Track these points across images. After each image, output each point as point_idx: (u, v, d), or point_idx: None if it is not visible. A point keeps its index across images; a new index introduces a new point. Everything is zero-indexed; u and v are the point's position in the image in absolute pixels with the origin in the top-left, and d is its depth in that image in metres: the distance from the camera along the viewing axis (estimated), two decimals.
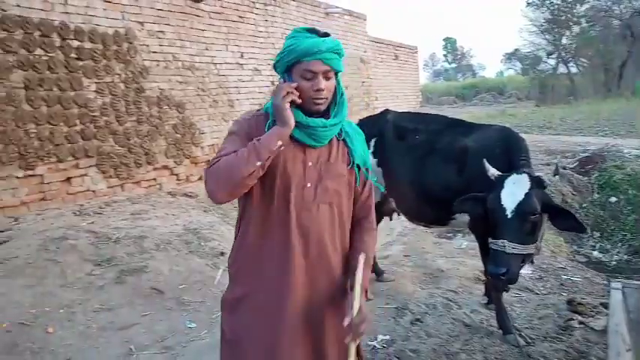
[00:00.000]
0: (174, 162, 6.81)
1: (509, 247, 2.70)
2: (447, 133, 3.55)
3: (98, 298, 3.77)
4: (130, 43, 6.22)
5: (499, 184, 2.83)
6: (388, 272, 4.48)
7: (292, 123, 1.56)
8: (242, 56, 8.16)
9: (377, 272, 4.37)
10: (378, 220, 4.27)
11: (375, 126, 3.90)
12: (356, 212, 1.82)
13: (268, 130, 1.60)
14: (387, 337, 3.43)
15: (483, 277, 4.03)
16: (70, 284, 3.84)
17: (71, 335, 3.34)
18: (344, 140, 1.76)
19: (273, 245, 1.66)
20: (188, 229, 5.09)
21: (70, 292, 3.76)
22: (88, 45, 5.72)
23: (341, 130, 1.74)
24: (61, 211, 5.19)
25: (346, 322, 1.56)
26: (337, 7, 11.09)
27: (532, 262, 3.08)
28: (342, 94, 1.70)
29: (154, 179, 6.59)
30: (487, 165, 2.95)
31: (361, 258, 1.65)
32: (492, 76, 58.90)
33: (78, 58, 5.61)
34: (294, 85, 1.59)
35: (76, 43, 5.58)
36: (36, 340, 3.21)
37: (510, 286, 3.17)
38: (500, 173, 2.90)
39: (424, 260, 4.90)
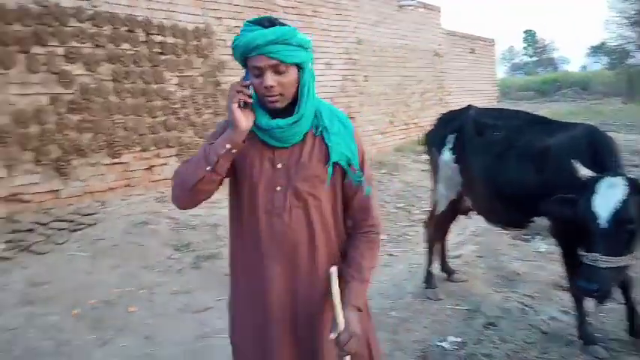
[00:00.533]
0: None
1: (603, 261, 2.45)
2: (528, 130, 3.35)
3: (176, 280, 3.96)
4: (209, 38, 6.44)
5: (591, 187, 2.56)
6: (459, 272, 4.35)
7: (242, 125, 1.42)
8: (314, 50, 8.19)
9: (448, 271, 4.25)
10: (453, 218, 4.17)
11: (455, 121, 3.80)
12: (353, 214, 1.64)
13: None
14: (459, 339, 3.33)
15: (564, 284, 3.81)
16: (150, 267, 4.05)
17: (150, 315, 3.52)
18: (321, 136, 1.56)
19: (246, 255, 1.57)
20: None
21: (151, 274, 3.97)
22: (170, 40, 5.98)
23: (318, 125, 1.56)
24: (144, 197, 5.48)
25: (332, 336, 1.46)
26: (411, 0, 10.88)
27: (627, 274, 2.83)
28: (308, 88, 1.51)
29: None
30: (577, 164, 2.69)
31: (332, 270, 1.51)
32: (576, 71, 55.57)
33: (161, 53, 5.88)
34: (247, 83, 1.45)
35: (159, 38, 5.85)
36: (119, 317, 3.42)
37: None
38: (592, 174, 2.62)
39: (499, 262, 4.71)
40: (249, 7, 6.98)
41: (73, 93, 5.01)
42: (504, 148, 3.37)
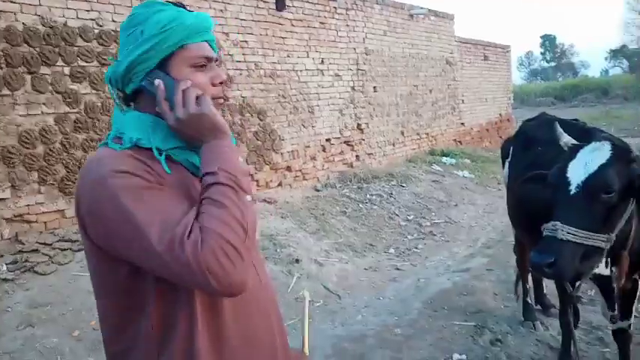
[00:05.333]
0: (255, 168, 6.97)
1: (563, 230, 1.97)
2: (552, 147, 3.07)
3: None
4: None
5: (571, 154, 2.20)
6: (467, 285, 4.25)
7: (229, 129, 1.11)
8: (322, 62, 8.20)
9: (543, 304, 3.88)
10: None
11: (519, 131, 3.56)
12: None
13: (170, 170, 1.05)
14: (463, 356, 3.26)
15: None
16: None
17: None
18: None
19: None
20: (265, 235, 5.17)
21: None
22: None
23: None
24: None
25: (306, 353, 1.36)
26: (422, 8, 10.82)
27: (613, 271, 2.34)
28: None
29: None
30: (559, 130, 2.40)
31: (306, 294, 1.42)
32: (596, 75, 54.70)
33: None
34: (189, 82, 1.08)
35: None
36: None
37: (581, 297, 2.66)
38: (576, 143, 2.29)
39: (508, 275, 4.59)
40: (255, 21, 7.01)
41: (78, 112, 5.06)
42: (527, 164, 2.99)
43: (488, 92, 14.26)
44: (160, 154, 1.05)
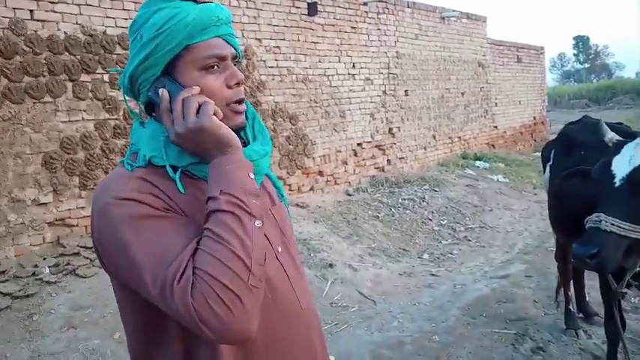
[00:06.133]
0: (287, 172, 6.99)
1: (607, 222, 1.97)
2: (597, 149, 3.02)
3: None
4: (249, 59, 6.53)
5: (616, 149, 2.22)
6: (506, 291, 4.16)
7: (239, 141, 0.95)
8: (354, 66, 8.18)
9: (586, 312, 3.73)
10: None
11: (560, 135, 3.49)
12: None
13: (184, 189, 0.94)
14: None
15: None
16: None
17: None
18: None
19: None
20: (298, 240, 5.17)
21: None
22: None
23: None
24: None
25: None
26: (454, 11, 10.70)
27: None
28: (246, 102, 1.05)
29: None
30: (604, 127, 2.38)
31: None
32: (631, 77, 53.08)
33: None
34: (197, 89, 0.94)
35: None
36: None
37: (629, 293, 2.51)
38: (620, 139, 2.30)
39: (549, 282, 4.48)
40: (287, 27, 7.05)
41: (117, 118, 5.17)
42: (570, 165, 2.93)
43: (522, 95, 13.99)
44: (176, 172, 0.94)
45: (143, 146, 0.96)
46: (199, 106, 0.91)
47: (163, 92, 0.93)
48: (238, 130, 1.00)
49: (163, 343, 0.94)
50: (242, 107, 1.00)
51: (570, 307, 3.61)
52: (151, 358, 0.97)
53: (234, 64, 1.00)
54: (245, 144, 1.02)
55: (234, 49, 1.00)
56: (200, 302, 0.79)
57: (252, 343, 0.93)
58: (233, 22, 1.02)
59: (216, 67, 0.96)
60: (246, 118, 1.04)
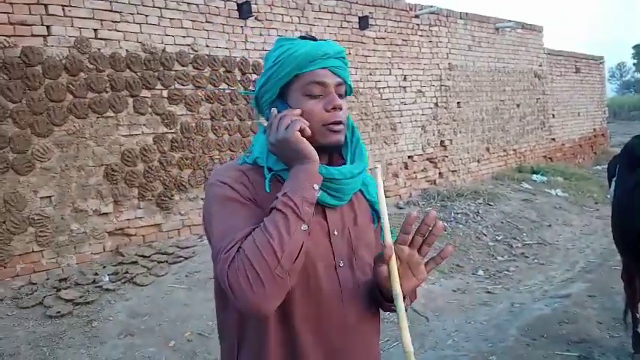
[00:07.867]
0: None
1: None
2: None
3: None
4: None
5: None
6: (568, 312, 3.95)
7: (316, 156, 1.07)
8: (405, 79, 8.12)
9: None
10: None
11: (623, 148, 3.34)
12: None
13: (270, 189, 1.10)
14: None
15: None
16: None
17: None
18: (361, 190, 1.23)
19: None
20: None
21: None
22: None
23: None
24: None
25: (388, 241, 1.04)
26: (509, 21, 10.45)
27: None
28: (354, 128, 1.23)
29: None
30: None
31: (378, 168, 1.11)
32: None
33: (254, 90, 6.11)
34: (297, 111, 1.11)
35: (254, 77, 6.10)
36: (212, 350, 3.47)
37: None
38: None
39: (614, 302, 4.23)
40: (339, 40, 7.09)
41: (175, 132, 5.34)
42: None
43: (581, 106, 13.45)
44: (270, 173, 1.14)
45: (256, 149, 1.18)
46: (290, 122, 1.08)
47: (273, 111, 1.14)
48: (334, 147, 1.16)
49: (227, 306, 1.15)
50: (337, 128, 1.14)
51: (639, 329, 3.39)
52: (220, 317, 1.21)
53: (342, 93, 1.16)
54: (344, 163, 1.19)
55: (342, 79, 1.16)
56: (232, 272, 0.97)
57: (298, 334, 1.09)
58: (343, 57, 1.17)
59: (318, 93, 1.13)
60: (348, 140, 1.21)
